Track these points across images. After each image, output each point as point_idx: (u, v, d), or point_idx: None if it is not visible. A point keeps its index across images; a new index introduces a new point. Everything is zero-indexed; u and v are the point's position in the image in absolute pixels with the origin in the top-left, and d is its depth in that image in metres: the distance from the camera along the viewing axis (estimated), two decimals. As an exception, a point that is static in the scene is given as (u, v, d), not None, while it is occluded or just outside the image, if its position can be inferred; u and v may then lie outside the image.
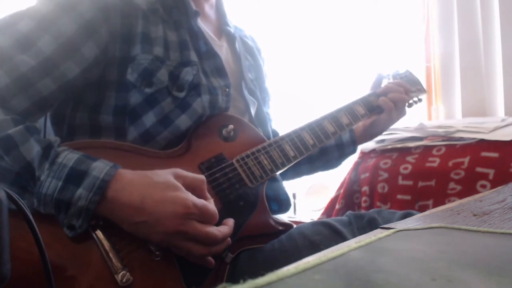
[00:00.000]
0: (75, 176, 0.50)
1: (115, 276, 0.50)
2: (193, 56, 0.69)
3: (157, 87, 0.64)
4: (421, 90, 0.99)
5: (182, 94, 0.66)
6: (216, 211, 0.54)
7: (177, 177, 0.54)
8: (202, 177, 0.56)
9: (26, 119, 0.58)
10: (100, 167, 0.51)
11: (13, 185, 0.50)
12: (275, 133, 0.90)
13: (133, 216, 0.50)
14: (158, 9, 0.68)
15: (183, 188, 0.52)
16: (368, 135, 0.94)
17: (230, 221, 0.59)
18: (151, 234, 0.51)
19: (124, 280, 0.50)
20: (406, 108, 0.93)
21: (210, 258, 0.56)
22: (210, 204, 0.54)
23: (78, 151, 0.53)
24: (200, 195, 0.55)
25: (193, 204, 0.51)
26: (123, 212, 0.51)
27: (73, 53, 0.60)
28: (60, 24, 0.59)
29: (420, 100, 0.99)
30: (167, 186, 0.51)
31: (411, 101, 0.97)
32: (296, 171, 0.97)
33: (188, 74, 0.66)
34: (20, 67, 0.55)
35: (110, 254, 0.51)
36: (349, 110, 0.83)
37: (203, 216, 0.53)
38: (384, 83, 0.96)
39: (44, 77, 0.57)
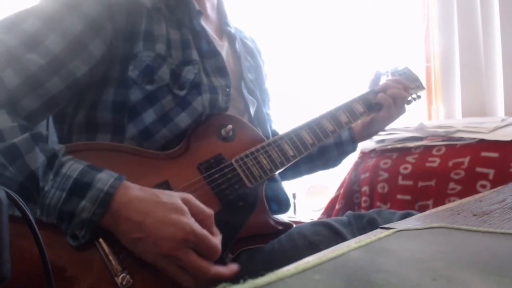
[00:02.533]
0: (79, 187, 0.49)
1: (115, 278, 0.50)
2: (195, 55, 0.69)
3: (158, 84, 0.64)
4: (420, 86, 0.99)
5: (182, 92, 0.66)
6: (219, 248, 0.52)
7: (185, 202, 0.52)
8: (210, 211, 0.54)
9: (35, 119, 0.58)
10: (104, 179, 0.50)
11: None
12: (275, 134, 0.90)
13: (131, 231, 0.49)
14: (161, 7, 0.68)
15: (189, 214, 0.51)
16: (367, 133, 0.94)
17: (234, 266, 0.55)
18: (145, 252, 0.50)
19: (124, 283, 0.50)
20: (405, 105, 0.93)
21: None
22: (213, 238, 0.51)
23: (83, 161, 0.53)
24: (207, 227, 0.53)
25: (192, 231, 0.49)
26: (123, 226, 0.50)
27: (81, 51, 0.60)
28: (67, 22, 0.59)
29: (419, 97, 0.99)
30: (173, 208, 0.50)
31: (410, 98, 0.97)
32: (296, 171, 0.96)
33: (189, 73, 0.67)
34: (30, 67, 0.55)
35: (110, 257, 0.51)
36: (348, 109, 0.83)
37: (201, 247, 0.50)
38: (383, 80, 0.96)
39: (53, 76, 0.57)
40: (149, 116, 0.64)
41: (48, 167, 0.50)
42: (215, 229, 0.54)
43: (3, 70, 0.54)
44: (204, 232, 0.51)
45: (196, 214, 0.52)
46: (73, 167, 0.51)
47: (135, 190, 0.51)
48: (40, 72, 0.56)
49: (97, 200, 0.49)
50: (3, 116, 0.52)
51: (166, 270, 0.51)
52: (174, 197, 0.52)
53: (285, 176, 0.94)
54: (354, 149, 0.96)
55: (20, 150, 0.49)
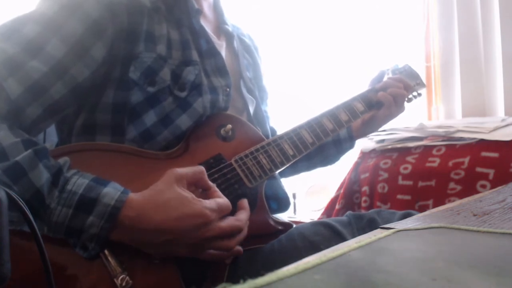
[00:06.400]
0: (86, 203, 0.49)
1: (115, 280, 0.50)
2: (195, 56, 0.69)
3: (159, 86, 0.63)
4: (421, 84, 0.99)
5: (183, 94, 0.65)
6: (226, 199, 0.55)
7: (179, 180, 0.52)
8: (201, 168, 0.56)
9: (38, 127, 0.58)
10: (110, 193, 0.50)
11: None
12: (273, 131, 0.90)
13: (156, 238, 0.50)
14: (160, 7, 0.68)
15: (192, 197, 0.52)
16: (366, 131, 0.94)
17: (244, 203, 0.60)
18: (178, 249, 0.52)
19: (124, 284, 0.50)
20: (406, 103, 0.93)
21: (237, 247, 0.57)
22: (220, 198, 0.55)
23: (88, 174, 0.52)
24: (203, 186, 0.56)
25: (210, 210, 0.51)
26: (143, 237, 0.50)
27: (83, 55, 0.59)
28: (67, 25, 0.58)
29: (419, 94, 0.99)
30: (179, 202, 0.51)
31: (410, 96, 0.97)
32: (294, 168, 0.96)
33: (190, 74, 0.66)
34: (32, 74, 0.54)
35: (109, 258, 0.51)
36: (348, 107, 0.83)
37: (221, 213, 0.54)
38: (385, 78, 0.96)
39: (56, 82, 0.57)
40: (150, 118, 0.63)
41: (53, 184, 0.49)
42: (210, 183, 0.57)
43: (5, 80, 0.53)
44: (214, 201, 0.53)
45: (191, 180, 0.54)
46: (78, 182, 0.50)
47: (139, 200, 0.51)
48: (44, 79, 0.55)
49: (105, 215, 0.49)
50: (5, 132, 0.50)
51: (206, 250, 0.54)
52: (171, 188, 0.51)
53: (283, 173, 0.94)
54: (352, 146, 0.96)
55: (24, 168, 0.48)
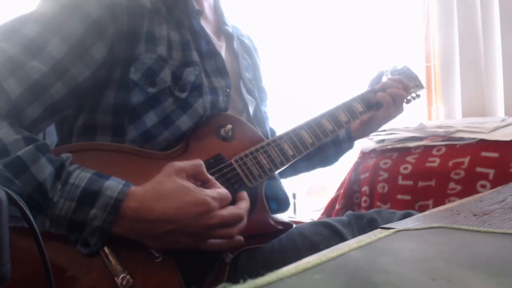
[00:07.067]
0: (88, 196, 0.49)
1: (115, 278, 0.50)
2: (195, 56, 0.69)
3: (160, 87, 0.64)
4: (419, 85, 0.99)
5: (184, 95, 0.65)
6: (226, 189, 0.56)
7: (178, 172, 0.53)
8: (199, 161, 0.57)
9: (38, 126, 0.58)
10: (113, 186, 0.50)
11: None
12: (272, 132, 0.90)
13: (159, 228, 0.50)
14: (160, 8, 0.68)
15: (193, 186, 0.53)
16: (365, 131, 0.94)
17: (244, 194, 0.61)
18: (180, 239, 0.52)
19: (124, 283, 0.50)
20: (405, 104, 0.93)
21: (239, 236, 0.58)
22: (220, 189, 0.56)
23: (89, 169, 0.52)
24: (202, 179, 0.57)
25: (211, 198, 0.52)
26: (146, 228, 0.51)
27: (83, 55, 0.59)
28: (68, 26, 0.58)
29: (418, 96, 0.99)
30: (180, 191, 0.51)
31: (409, 97, 0.97)
32: (294, 169, 0.97)
33: (190, 75, 0.66)
34: (32, 74, 0.55)
35: (110, 257, 0.51)
36: (348, 108, 0.83)
37: (222, 203, 0.54)
38: (384, 79, 0.96)
39: (56, 82, 0.57)
40: (151, 118, 0.63)
41: (56, 177, 0.49)
42: (208, 175, 0.58)
43: (5, 80, 0.53)
44: (215, 191, 0.54)
45: (191, 173, 0.55)
46: (81, 176, 0.50)
47: (141, 192, 0.51)
48: (44, 79, 0.56)
49: (108, 207, 0.49)
50: (6, 129, 0.51)
51: (208, 238, 0.54)
52: (171, 179, 0.52)
53: (282, 174, 0.94)
54: (351, 147, 0.96)
55: (25, 162, 0.48)
